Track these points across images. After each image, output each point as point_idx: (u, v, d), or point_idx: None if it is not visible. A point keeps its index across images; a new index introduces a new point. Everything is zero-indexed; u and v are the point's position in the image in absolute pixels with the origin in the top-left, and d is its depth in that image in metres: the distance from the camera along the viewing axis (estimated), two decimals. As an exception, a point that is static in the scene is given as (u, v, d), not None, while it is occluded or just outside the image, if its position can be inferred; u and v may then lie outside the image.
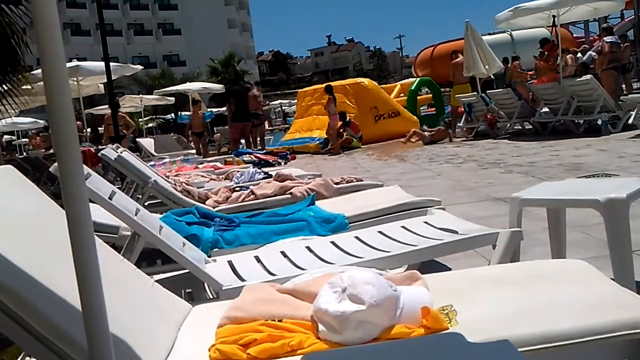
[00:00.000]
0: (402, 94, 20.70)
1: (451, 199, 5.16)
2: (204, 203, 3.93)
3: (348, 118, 12.84)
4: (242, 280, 2.06)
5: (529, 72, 12.87)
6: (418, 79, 19.65)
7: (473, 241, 2.48)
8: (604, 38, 11.68)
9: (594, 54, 12.31)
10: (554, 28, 10.34)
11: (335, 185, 3.88)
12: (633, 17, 31.06)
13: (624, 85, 12.18)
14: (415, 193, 5.14)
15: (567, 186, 2.98)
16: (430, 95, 17.12)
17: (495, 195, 5.12)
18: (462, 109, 11.74)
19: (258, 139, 13.16)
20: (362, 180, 4.19)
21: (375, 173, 7.85)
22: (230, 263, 2.28)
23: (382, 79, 50.57)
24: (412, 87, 17.21)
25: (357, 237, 2.54)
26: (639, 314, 1.38)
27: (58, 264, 1.19)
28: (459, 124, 11.96)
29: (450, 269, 2.97)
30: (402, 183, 6.27)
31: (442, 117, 15.79)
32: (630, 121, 8.62)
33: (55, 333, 1.08)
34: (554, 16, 10.02)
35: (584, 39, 26.51)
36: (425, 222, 2.75)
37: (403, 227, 2.67)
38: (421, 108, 17.76)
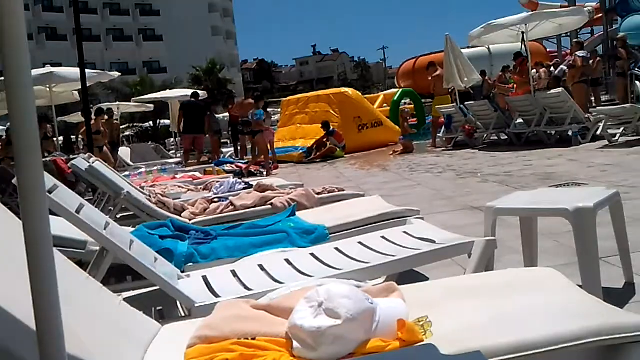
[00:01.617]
0: (385, 104, 20.81)
1: (431, 208, 5.18)
2: (180, 215, 3.75)
3: (332, 127, 12.82)
4: (217, 296, 1.95)
5: (510, 85, 13.01)
6: (401, 89, 19.76)
7: (450, 250, 2.48)
8: (576, 53, 11.89)
9: (565, 68, 12.52)
10: (523, 43, 10.49)
11: (316, 196, 3.85)
12: (602, 33, 31.59)
13: (593, 98, 12.38)
14: (396, 202, 5.14)
15: (539, 195, 3.01)
16: (412, 105, 17.21)
17: (473, 204, 5.14)
18: (443, 120, 11.82)
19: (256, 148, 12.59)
20: (343, 190, 4.17)
21: (357, 182, 7.85)
22: (204, 278, 2.17)
23: (366, 89, 50.73)
24: (395, 98, 17.29)
25: (337, 249, 2.52)
26: (605, 321, 1.39)
27: (16, 281, 1.10)
28: (439, 134, 12.03)
29: (428, 279, 2.97)
30: (384, 193, 6.30)
31: (423, 127, 15.92)
32: (598, 132, 8.73)
33: (4, 354, 0.98)
34: (522, 32, 10.17)
35: (557, 54, 26.89)
36: (405, 232, 2.74)
37: (383, 237, 2.66)
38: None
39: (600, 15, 32.80)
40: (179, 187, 5.40)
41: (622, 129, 8.59)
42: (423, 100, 17.46)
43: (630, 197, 4.60)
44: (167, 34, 61.00)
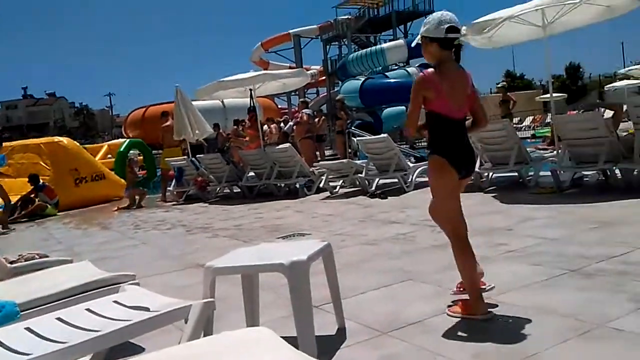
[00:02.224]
0: (109, 156, 19.89)
1: (155, 269, 5.04)
2: None
3: (42, 181, 11.67)
4: None
5: (246, 138, 13.75)
6: (128, 139, 19.21)
7: (164, 318, 2.40)
8: (303, 110, 13.31)
9: (293, 124, 13.89)
10: (251, 100, 11.36)
11: (9, 265, 3.38)
12: (326, 94, 36.19)
13: (318, 153, 13.93)
14: (115, 266, 4.86)
15: (259, 251, 3.17)
16: (142, 157, 16.83)
17: (200, 261, 5.14)
18: (173, 173, 11.80)
19: None
20: (47, 257, 3.76)
21: (70, 245, 7.20)
22: None
23: (89, 138, 48.04)
24: (122, 149, 16.71)
25: (28, 329, 2.22)
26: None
27: None
28: (169, 188, 11.95)
29: (144, 349, 2.84)
30: (100, 255, 5.93)
31: (153, 180, 15.63)
32: (321, 185, 9.80)
33: None
34: (250, 89, 11.01)
35: (287, 110, 29.71)
36: (115, 302, 2.57)
37: (88, 309, 2.44)
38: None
39: (324, 77, 37.82)
40: None
41: (341, 181, 9.81)
42: (154, 152, 17.26)
43: (345, 244, 5.22)
44: None
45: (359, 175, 9.27)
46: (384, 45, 32.25)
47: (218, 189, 11.39)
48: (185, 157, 11.92)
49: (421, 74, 2.94)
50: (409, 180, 8.91)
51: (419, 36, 3.00)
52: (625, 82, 27.82)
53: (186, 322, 2.37)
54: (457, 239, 3.00)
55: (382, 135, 9.46)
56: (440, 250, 4.59)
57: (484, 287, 3.17)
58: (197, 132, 12.11)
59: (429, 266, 4.03)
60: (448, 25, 2.87)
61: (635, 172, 6.52)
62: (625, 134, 7.00)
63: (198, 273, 4.71)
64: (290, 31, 37.89)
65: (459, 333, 2.79)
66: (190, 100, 12.57)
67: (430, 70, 2.93)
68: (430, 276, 3.74)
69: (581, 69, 42.82)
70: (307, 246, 2.96)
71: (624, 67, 33.24)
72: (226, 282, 3.25)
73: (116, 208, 11.34)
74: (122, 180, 13.62)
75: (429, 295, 3.42)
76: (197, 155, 11.74)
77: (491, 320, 2.90)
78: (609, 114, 7.22)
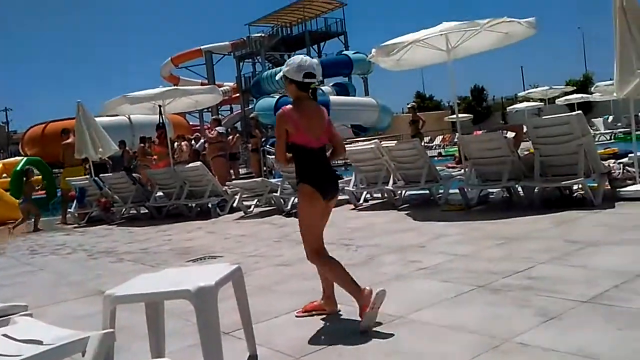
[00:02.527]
0: (4, 175, 18.66)
1: (52, 297, 4.73)
2: None
3: None
4: None
5: (154, 156, 13.30)
6: (26, 158, 18.19)
7: (60, 351, 2.23)
8: (215, 128, 13.11)
9: (205, 142, 13.64)
10: (161, 116, 11.02)
11: None
12: (240, 111, 35.99)
13: (232, 171, 13.75)
14: (6, 295, 4.51)
15: (165, 276, 3.03)
16: (40, 176, 15.87)
17: (102, 288, 4.86)
18: (74, 193, 11.21)
19: None
20: None
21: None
22: None
23: (-18, 156, 44.74)
24: (18, 167, 15.70)
25: None
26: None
27: None
28: (70, 209, 11.33)
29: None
30: (-10, 284, 5.47)
31: (53, 202, 14.75)
32: (235, 204, 9.65)
33: None
34: (159, 106, 10.69)
35: (199, 127, 29.22)
36: (4, 335, 2.37)
37: (-31, 346, 2.23)
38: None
39: (238, 94, 37.62)
40: None
41: (256, 200, 9.71)
42: (54, 171, 16.39)
43: (259, 265, 5.14)
44: None
45: (274, 194, 9.21)
46: (299, 63, 32.58)
47: (123, 210, 10.95)
48: (88, 176, 11.40)
49: (280, 110, 3.27)
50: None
51: (282, 72, 3.37)
52: (525, 104, 29.79)
53: (84, 356, 2.22)
54: (320, 255, 3.36)
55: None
56: (356, 269, 4.60)
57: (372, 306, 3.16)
58: (100, 150, 11.66)
59: (343, 286, 4.02)
60: (305, 71, 3.26)
61: (535, 190, 6.93)
62: (526, 153, 7.44)
63: (99, 301, 4.43)
64: (202, 47, 37.48)
65: (377, 356, 2.78)
66: (94, 117, 12.09)
67: (289, 107, 3.28)
68: (345, 296, 3.73)
69: (485, 91, 45.30)
70: (216, 270, 2.87)
71: (524, 90, 35.63)
72: (129, 309, 3.08)
73: (10, 229, 10.55)
74: (17, 202, 12.77)
75: (344, 316, 3.41)
76: (101, 175, 11.28)
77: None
78: (511, 134, 7.65)
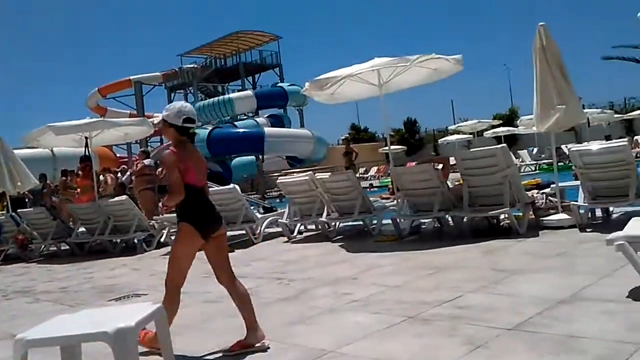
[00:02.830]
0: None
1: (-44, 344, 4.38)
2: None
3: None
4: None
5: (77, 190, 12.78)
6: None
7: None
8: (143, 160, 12.77)
9: (131, 174, 13.26)
10: (87, 148, 10.64)
11: None
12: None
13: (161, 204, 13.41)
14: None
15: (82, 318, 2.90)
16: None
17: (16, 331, 4.54)
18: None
19: None
20: None
21: None
22: None
23: None
24: None
25: None
26: None
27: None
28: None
29: None
30: None
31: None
32: (162, 239, 9.39)
33: None
34: (86, 137, 10.32)
35: (127, 159, 28.44)
36: None
37: None
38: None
39: (168, 125, 36.97)
40: None
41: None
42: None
43: (185, 303, 4.83)
44: None
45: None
46: (232, 95, 32.62)
47: (43, 246, 10.44)
48: (4, 211, 10.84)
49: (169, 151, 3.43)
50: (258, 231, 8.89)
51: (160, 117, 3.56)
52: (455, 136, 30.91)
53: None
54: (176, 291, 3.53)
55: (230, 185, 9.36)
56: (288, 303, 4.58)
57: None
58: (19, 183, 11.11)
59: (275, 320, 3.97)
60: (185, 116, 3.45)
61: (464, 219, 7.15)
62: (457, 183, 7.70)
63: (11, 345, 4.17)
64: (131, 77, 36.77)
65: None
66: (12, 149, 11.55)
67: (173, 149, 3.44)
68: (274, 331, 3.68)
69: (417, 124, 46.61)
70: (137, 310, 2.77)
71: (454, 123, 36.99)
72: (43, 353, 2.92)
73: None
74: None
75: (272, 353, 3.36)
76: (19, 210, 10.74)
77: None
78: (440, 165, 7.90)
